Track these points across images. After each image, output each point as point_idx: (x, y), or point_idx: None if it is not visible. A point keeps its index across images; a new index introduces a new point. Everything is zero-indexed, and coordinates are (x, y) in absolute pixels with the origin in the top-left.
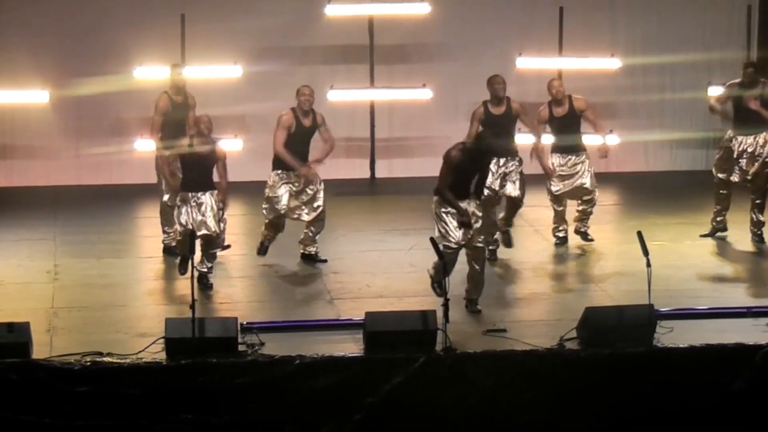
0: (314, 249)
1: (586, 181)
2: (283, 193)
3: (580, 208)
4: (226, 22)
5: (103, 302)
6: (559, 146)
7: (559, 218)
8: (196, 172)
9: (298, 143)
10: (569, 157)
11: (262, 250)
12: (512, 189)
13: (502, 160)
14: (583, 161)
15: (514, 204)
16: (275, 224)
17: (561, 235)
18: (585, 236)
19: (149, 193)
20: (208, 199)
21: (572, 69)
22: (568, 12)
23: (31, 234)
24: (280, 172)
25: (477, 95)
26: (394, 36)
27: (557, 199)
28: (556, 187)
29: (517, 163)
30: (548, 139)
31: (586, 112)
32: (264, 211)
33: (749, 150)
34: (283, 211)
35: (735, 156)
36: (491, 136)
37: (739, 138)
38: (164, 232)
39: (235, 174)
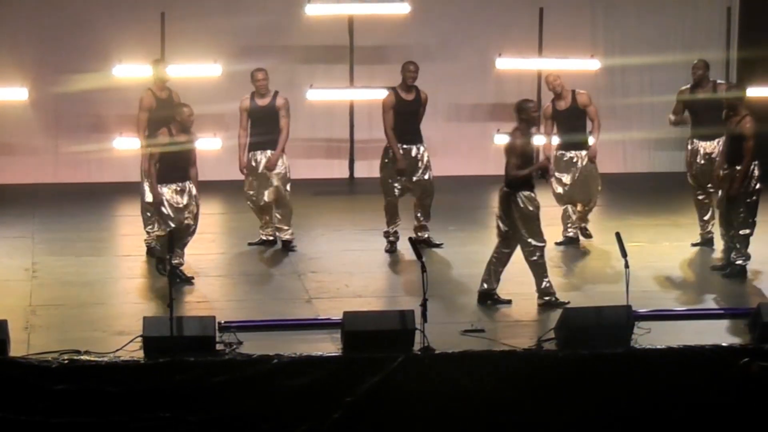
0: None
1: (584, 181)
2: None
3: (580, 208)
4: (206, 20)
5: (81, 300)
6: (560, 143)
7: (565, 217)
8: (172, 166)
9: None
10: (568, 153)
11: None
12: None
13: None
14: (582, 159)
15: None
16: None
17: (570, 235)
18: (584, 232)
19: (128, 191)
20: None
21: (552, 70)
22: (547, 13)
23: (9, 231)
24: None
25: (457, 95)
26: (373, 36)
27: (560, 200)
28: (556, 187)
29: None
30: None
31: (589, 108)
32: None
33: (714, 155)
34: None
35: (702, 160)
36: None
37: (702, 143)
38: (147, 232)
39: (214, 173)
